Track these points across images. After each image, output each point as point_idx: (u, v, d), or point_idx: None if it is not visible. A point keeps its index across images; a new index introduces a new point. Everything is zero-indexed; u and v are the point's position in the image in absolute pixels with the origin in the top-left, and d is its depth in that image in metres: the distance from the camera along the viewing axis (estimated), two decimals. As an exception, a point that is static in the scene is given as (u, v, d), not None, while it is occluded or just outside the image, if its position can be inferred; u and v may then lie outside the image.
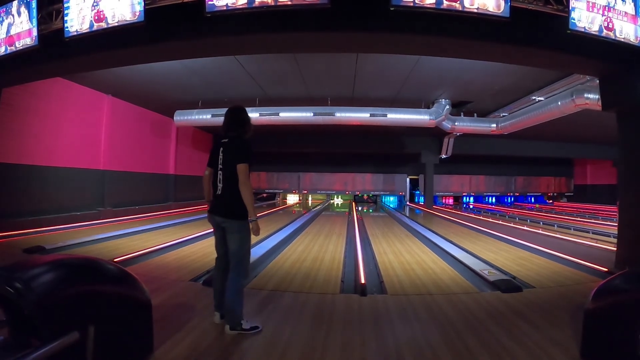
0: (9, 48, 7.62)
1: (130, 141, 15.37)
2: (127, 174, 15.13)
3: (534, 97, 12.72)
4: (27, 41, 7.34)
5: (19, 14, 7.39)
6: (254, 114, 14.31)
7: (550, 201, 29.99)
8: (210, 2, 5.88)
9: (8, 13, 7.56)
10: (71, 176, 12.31)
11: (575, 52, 6.15)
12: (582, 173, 30.05)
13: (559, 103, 11.33)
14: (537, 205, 27.29)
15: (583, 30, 5.78)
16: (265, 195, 28.30)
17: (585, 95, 10.21)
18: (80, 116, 12.71)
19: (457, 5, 5.42)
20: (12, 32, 7.52)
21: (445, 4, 5.41)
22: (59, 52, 7.30)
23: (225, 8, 5.87)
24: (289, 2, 5.67)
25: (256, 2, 5.78)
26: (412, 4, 5.41)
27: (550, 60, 6.83)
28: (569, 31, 5.69)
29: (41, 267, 2.75)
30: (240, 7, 5.83)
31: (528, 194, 30.48)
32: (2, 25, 7.67)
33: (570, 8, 5.68)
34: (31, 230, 9.87)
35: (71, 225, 11.25)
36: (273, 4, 5.73)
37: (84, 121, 12.87)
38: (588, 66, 7.00)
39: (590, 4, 5.81)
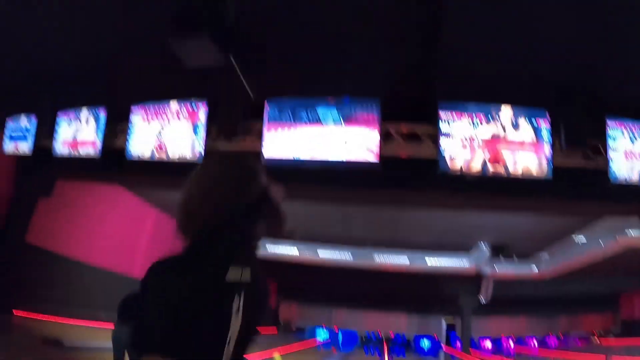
0: (72, 151, 7.84)
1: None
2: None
3: (574, 236, 12.62)
4: (90, 151, 7.58)
5: (87, 122, 7.69)
6: (293, 250, 14.29)
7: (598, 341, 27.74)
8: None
9: (77, 118, 7.84)
10: (104, 277, 12.36)
11: (617, 200, 6.23)
12: (630, 305, 28.18)
13: (601, 242, 11.19)
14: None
15: (624, 180, 5.88)
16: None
17: (627, 232, 10.13)
18: (125, 222, 13.10)
19: (502, 171, 5.66)
20: (78, 137, 7.75)
21: (491, 170, 5.65)
22: (118, 169, 7.74)
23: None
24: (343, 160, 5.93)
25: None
26: (458, 172, 5.66)
27: (593, 210, 6.96)
28: (611, 183, 5.82)
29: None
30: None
31: (572, 333, 28.60)
32: (69, 127, 7.91)
33: (609, 159, 5.73)
34: (54, 320, 9.92)
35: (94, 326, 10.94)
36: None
37: (127, 228, 13.23)
38: (630, 211, 7.09)
39: (628, 152, 5.88)
